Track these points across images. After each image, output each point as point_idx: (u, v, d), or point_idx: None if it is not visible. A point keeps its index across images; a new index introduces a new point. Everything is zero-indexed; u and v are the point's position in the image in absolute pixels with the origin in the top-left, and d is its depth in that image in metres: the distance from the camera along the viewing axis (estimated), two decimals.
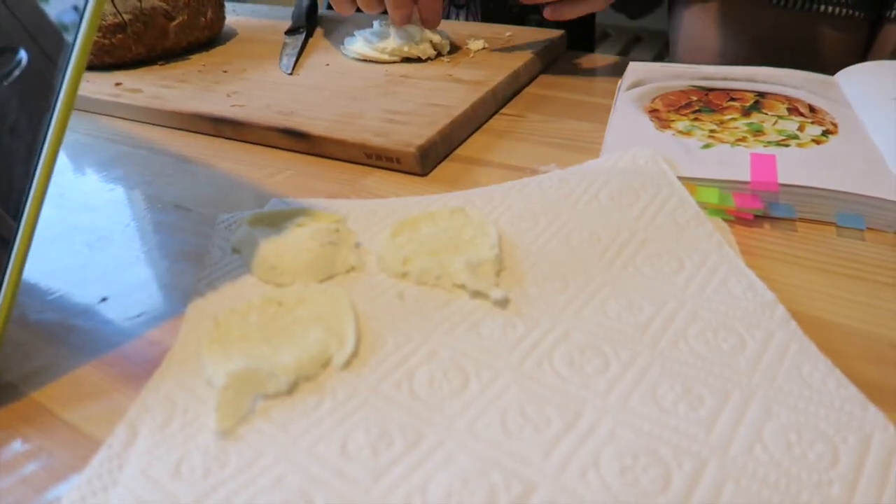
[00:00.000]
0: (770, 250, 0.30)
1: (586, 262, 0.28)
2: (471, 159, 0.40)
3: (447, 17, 0.71)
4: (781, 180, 0.32)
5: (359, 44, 0.54)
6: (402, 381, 0.23)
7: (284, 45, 0.58)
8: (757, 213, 0.32)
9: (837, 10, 0.55)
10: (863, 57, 0.47)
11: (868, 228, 0.31)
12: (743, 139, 0.36)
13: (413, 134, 0.39)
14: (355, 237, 0.31)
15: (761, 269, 0.27)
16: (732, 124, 0.38)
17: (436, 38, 0.54)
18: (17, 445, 0.22)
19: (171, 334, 0.26)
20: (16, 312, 0.26)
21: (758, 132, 0.37)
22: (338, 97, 0.46)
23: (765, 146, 0.35)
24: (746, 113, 0.39)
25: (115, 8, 0.52)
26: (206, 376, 0.23)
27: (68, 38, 0.23)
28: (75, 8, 0.23)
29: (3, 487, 0.20)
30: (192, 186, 0.38)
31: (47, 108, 0.23)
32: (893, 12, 0.55)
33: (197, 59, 0.57)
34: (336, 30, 0.62)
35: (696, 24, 0.62)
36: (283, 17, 0.66)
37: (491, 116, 0.46)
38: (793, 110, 0.39)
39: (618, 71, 0.51)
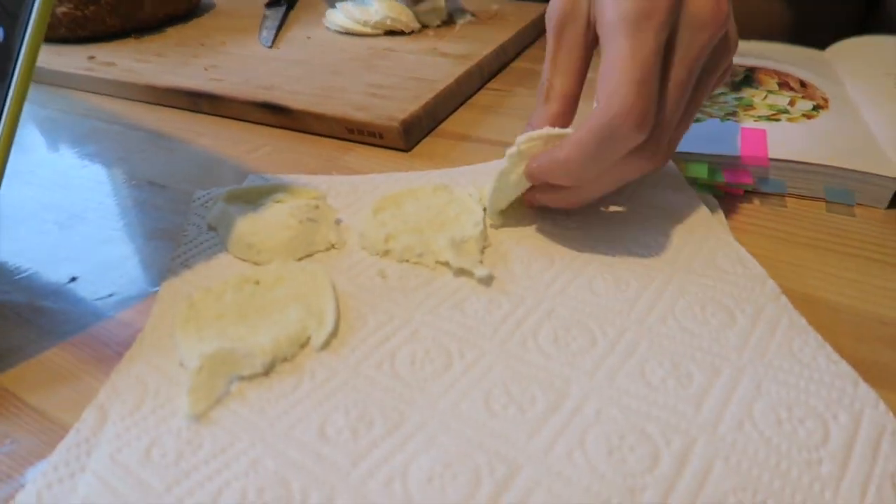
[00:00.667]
0: (760, 226, 0.29)
1: (572, 240, 0.27)
2: (456, 135, 0.39)
3: None
4: (772, 155, 0.31)
5: (341, 16, 0.52)
6: (383, 361, 0.22)
7: (264, 17, 0.56)
8: (747, 188, 0.31)
9: None
10: (857, 31, 0.46)
11: (858, 204, 0.30)
12: (733, 113, 0.35)
13: (396, 108, 0.38)
14: (336, 214, 0.30)
15: (751, 245, 0.27)
16: (722, 98, 0.37)
17: (440, 1, 0.53)
18: None
19: (143, 315, 0.25)
20: None
21: (748, 106, 0.36)
22: (319, 71, 0.45)
23: (755, 121, 0.34)
24: (736, 87, 0.39)
25: None
26: (179, 358, 0.22)
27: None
28: None
29: None
30: (168, 163, 0.37)
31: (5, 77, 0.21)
32: None
33: (173, 33, 0.55)
34: (318, 2, 0.61)
35: None
36: None
37: (477, 91, 0.45)
38: (783, 85, 0.39)
39: None
